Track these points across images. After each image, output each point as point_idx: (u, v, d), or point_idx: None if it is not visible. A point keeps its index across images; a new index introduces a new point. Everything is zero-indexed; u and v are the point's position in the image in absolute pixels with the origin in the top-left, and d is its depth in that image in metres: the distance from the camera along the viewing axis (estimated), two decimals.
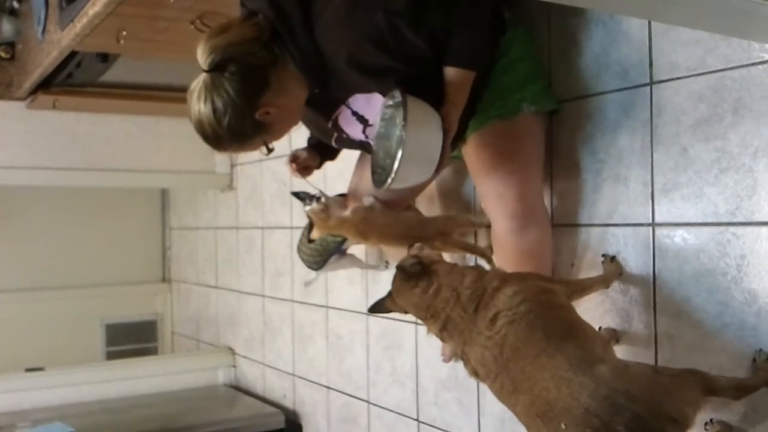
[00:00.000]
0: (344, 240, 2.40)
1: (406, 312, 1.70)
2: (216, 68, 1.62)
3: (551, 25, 1.95)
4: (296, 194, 2.08)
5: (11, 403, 3.36)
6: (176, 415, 3.42)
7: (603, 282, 1.78)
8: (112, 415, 3.42)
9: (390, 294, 1.70)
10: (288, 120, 1.78)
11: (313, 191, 2.00)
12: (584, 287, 1.75)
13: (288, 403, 3.38)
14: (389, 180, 1.57)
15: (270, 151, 1.78)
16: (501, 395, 1.47)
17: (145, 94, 3.52)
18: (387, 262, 2.65)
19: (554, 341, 1.41)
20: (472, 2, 1.67)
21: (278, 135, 1.78)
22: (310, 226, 2.07)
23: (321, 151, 2.12)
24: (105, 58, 2.93)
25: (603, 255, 1.82)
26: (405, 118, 1.53)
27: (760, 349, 1.51)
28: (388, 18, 1.62)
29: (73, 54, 2.81)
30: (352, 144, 1.93)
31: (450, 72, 1.68)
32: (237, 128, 1.66)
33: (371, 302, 1.77)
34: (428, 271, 1.63)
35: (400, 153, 1.53)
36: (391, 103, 1.64)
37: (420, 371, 2.53)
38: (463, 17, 1.66)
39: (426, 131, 1.57)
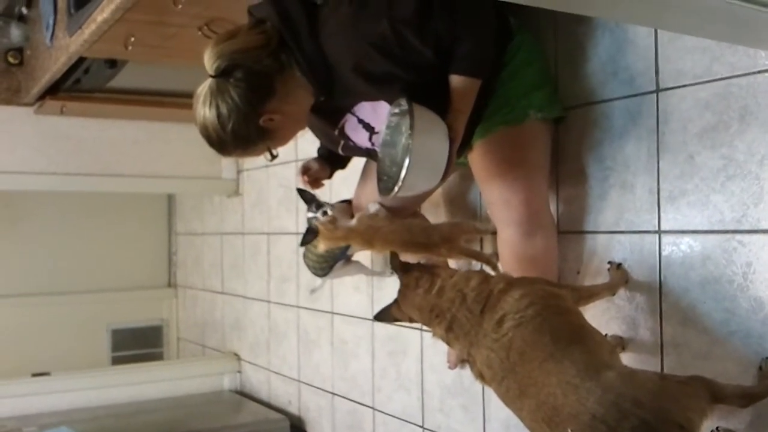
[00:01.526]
0: (348, 245, 2.41)
1: (411, 320, 1.70)
2: (222, 74, 1.64)
3: (558, 33, 1.96)
4: (302, 192, 2.07)
5: (18, 408, 3.37)
6: (181, 421, 3.42)
7: (609, 289, 1.78)
8: (117, 420, 3.42)
9: (395, 301, 1.71)
10: (292, 127, 1.79)
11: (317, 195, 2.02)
12: (591, 294, 1.75)
13: (293, 409, 3.38)
14: (396, 188, 1.57)
15: (274, 157, 1.79)
16: (506, 399, 1.47)
17: (152, 100, 3.53)
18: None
19: (561, 346, 1.40)
20: (478, 10, 1.68)
21: (282, 142, 1.79)
22: (308, 231, 2.07)
23: (331, 161, 2.13)
24: (113, 64, 2.94)
25: (609, 262, 1.82)
26: (411, 126, 1.53)
27: (767, 357, 1.50)
28: (394, 25, 1.62)
29: (81, 60, 2.82)
30: (359, 151, 1.93)
31: (455, 80, 1.68)
32: (241, 134, 1.68)
33: (376, 308, 1.78)
34: (428, 270, 1.64)
35: (406, 161, 1.53)
36: (396, 111, 1.65)
37: (425, 377, 2.53)
38: (469, 25, 1.66)
39: (432, 139, 1.58)
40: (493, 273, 1.99)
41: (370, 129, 1.81)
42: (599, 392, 1.30)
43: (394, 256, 1.72)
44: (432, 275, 1.63)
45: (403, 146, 1.56)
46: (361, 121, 1.81)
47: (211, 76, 1.65)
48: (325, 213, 2.05)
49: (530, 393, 1.39)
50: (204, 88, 1.67)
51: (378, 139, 1.78)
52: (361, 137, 1.85)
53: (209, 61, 1.65)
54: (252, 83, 1.65)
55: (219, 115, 1.65)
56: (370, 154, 1.91)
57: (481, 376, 1.53)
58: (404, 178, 1.54)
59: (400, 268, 1.69)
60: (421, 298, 1.62)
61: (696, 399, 1.34)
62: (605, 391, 1.30)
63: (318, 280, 2.73)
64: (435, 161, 1.59)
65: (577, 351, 1.39)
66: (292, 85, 1.71)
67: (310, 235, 2.05)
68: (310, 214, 2.10)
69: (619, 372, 1.36)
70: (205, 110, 1.67)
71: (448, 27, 1.65)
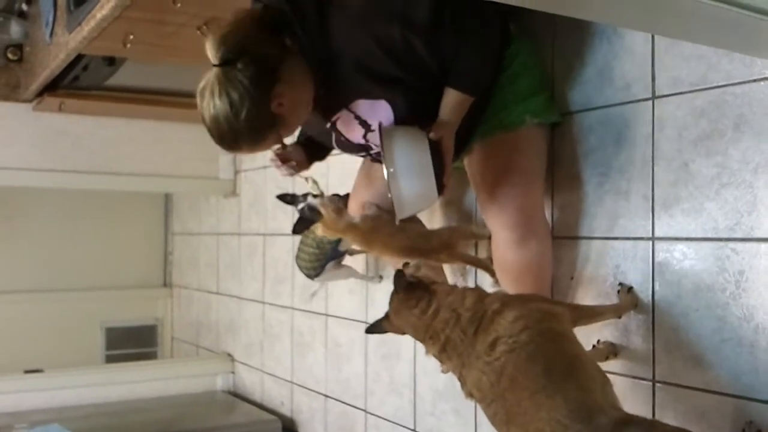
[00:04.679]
0: (339, 242, 2.40)
1: (403, 333, 1.68)
2: (227, 62, 1.58)
3: (555, 39, 1.96)
4: (282, 197, 2.02)
5: (9, 404, 3.37)
6: (174, 421, 3.42)
7: (615, 311, 1.75)
8: (109, 418, 3.42)
9: (387, 316, 1.69)
10: (300, 113, 1.73)
11: (301, 192, 1.98)
12: (594, 314, 1.73)
13: (285, 411, 3.38)
14: (397, 212, 1.61)
15: (284, 147, 1.78)
16: (494, 422, 1.45)
17: (150, 99, 3.53)
18: (381, 276, 2.66)
19: (554, 379, 1.37)
20: (486, 30, 1.70)
21: (291, 128, 1.74)
22: (300, 219, 2.00)
23: (309, 149, 2.05)
24: (111, 62, 2.95)
25: (620, 284, 1.79)
26: (383, 152, 1.56)
27: (750, 421, 1.50)
28: (404, 32, 1.62)
29: (80, 57, 2.83)
30: (351, 147, 1.91)
31: (450, 93, 1.69)
32: (254, 120, 1.60)
33: (371, 311, 1.77)
34: (428, 291, 1.61)
35: (393, 186, 1.57)
36: (379, 141, 1.67)
37: (418, 380, 2.53)
38: (474, 44, 1.68)
39: (410, 157, 1.59)
40: (491, 279, 1.99)
41: (366, 126, 1.79)
42: None
43: (399, 275, 1.69)
44: (430, 295, 1.60)
45: (389, 174, 1.60)
46: (357, 117, 1.79)
47: (216, 65, 1.59)
48: (305, 195, 1.97)
49: (518, 422, 1.37)
50: (209, 80, 1.60)
51: (373, 137, 1.78)
52: (355, 133, 1.83)
53: (213, 50, 1.58)
54: (259, 68, 1.58)
55: (231, 104, 1.57)
56: (364, 149, 1.89)
57: (471, 396, 1.51)
58: (399, 202, 1.59)
59: (403, 288, 1.65)
60: (416, 318, 1.59)
61: None
62: None
63: (317, 284, 2.72)
64: (421, 176, 1.60)
65: (570, 387, 1.36)
66: (296, 71, 1.66)
67: (302, 224, 1.97)
68: (301, 205, 2.01)
69: (611, 418, 1.31)
70: (214, 101, 1.59)
71: (454, 42, 1.66)
